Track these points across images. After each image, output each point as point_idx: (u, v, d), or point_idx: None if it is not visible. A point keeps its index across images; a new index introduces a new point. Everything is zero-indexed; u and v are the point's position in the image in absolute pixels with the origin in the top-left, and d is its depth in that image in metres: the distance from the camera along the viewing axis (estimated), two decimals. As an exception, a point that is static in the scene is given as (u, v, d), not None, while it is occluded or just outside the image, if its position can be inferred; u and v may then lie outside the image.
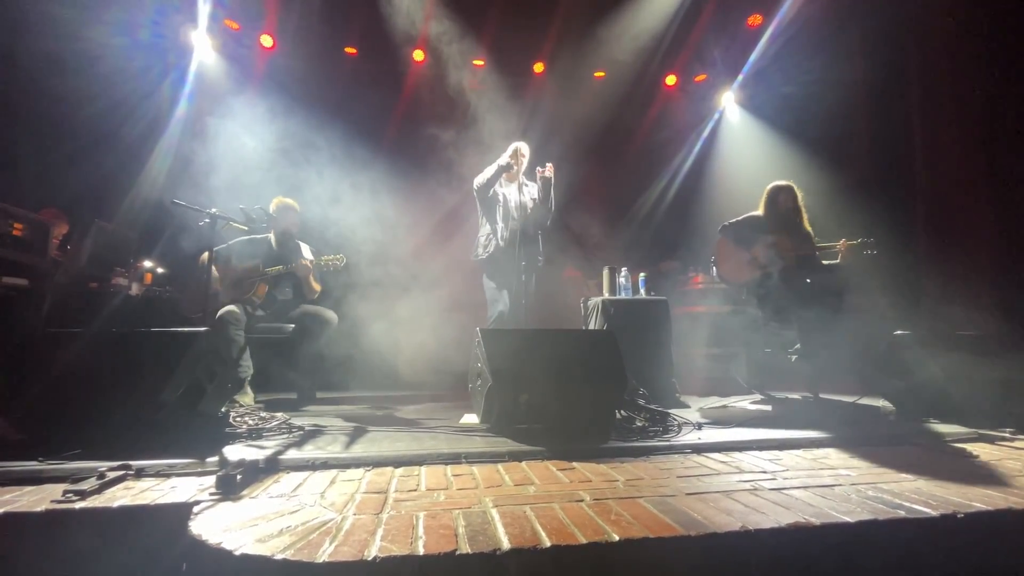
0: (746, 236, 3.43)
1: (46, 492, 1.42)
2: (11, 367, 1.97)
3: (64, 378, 1.92)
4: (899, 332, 2.86)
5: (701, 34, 5.65)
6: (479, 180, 3.61)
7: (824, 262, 3.45)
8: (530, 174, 3.76)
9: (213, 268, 2.99)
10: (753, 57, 5.53)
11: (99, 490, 1.41)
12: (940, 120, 4.35)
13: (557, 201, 3.59)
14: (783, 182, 3.49)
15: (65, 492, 1.35)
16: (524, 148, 3.63)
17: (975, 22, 4.07)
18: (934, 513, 1.28)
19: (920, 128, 4.48)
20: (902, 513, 1.27)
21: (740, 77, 5.82)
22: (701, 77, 6.18)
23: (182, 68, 4.90)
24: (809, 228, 3.45)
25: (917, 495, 1.41)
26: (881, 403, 3.03)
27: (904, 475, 1.63)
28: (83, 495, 1.35)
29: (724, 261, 3.50)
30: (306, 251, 3.63)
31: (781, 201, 3.44)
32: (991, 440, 2.16)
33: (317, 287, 3.52)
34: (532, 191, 3.63)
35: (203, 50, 4.94)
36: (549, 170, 3.47)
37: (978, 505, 1.33)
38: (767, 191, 3.51)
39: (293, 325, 3.37)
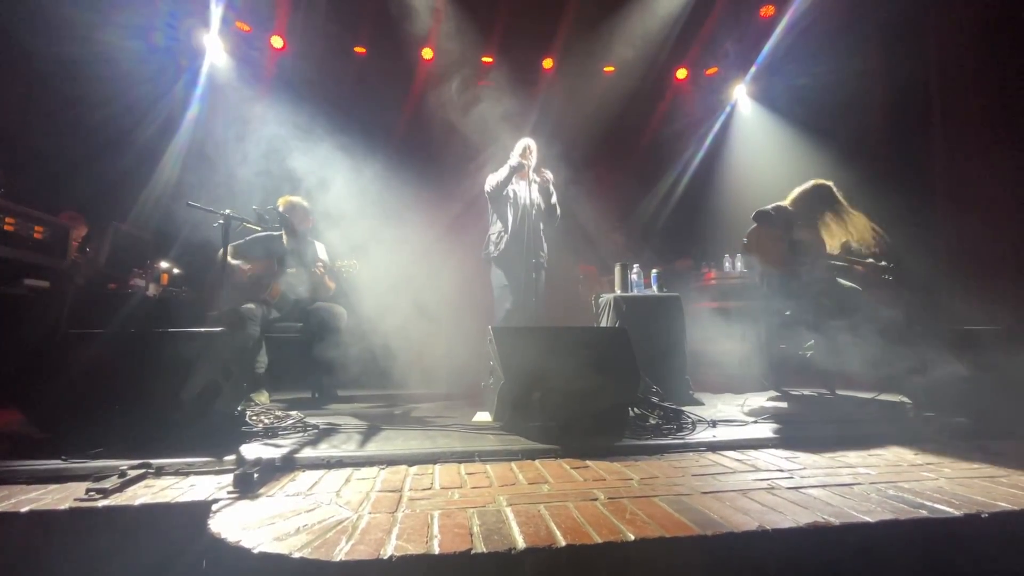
0: (785, 227, 3.32)
1: (70, 490, 1.45)
2: (34, 367, 2.02)
3: (85, 378, 1.95)
4: (919, 328, 2.80)
5: (712, 26, 5.57)
6: (491, 182, 3.64)
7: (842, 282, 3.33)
8: (539, 172, 3.76)
9: (231, 261, 3.01)
10: (766, 49, 5.41)
11: (121, 488, 1.44)
12: (962, 114, 4.25)
13: (564, 198, 3.60)
14: (824, 180, 3.32)
15: (88, 490, 1.38)
16: (533, 145, 3.66)
17: (1000, 13, 3.97)
18: (957, 513, 1.25)
19: (940, 122, 4.38)
20: (924, 513, 1.25)
21: (753, 70, 5.71)
22: (712, 70, 6.09)
23: (194, 70, 4.95)
24: (850, 229, 3.24)
25: (939, 494, 1.39)
26: (900, 400, 2.98)
27: (925, 474, 1.60)
28: (106, 493, 1.38)
29: (761, 249, 3.35)
30: (321, 251, 3.64)
31: (819, 199, 3.29)
32: (1016, 437, 2.11)
33: (332, 285, 3.57)
34: (541, 188, 3.64)
35: (215, 52, 4.99)
36: (548, 176, 3.53)
37: (1003, 504, 1.30)
38: (809, 187, 3.33)
39: (304, 323, 3.40)
